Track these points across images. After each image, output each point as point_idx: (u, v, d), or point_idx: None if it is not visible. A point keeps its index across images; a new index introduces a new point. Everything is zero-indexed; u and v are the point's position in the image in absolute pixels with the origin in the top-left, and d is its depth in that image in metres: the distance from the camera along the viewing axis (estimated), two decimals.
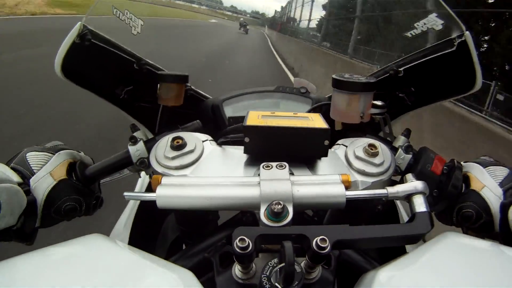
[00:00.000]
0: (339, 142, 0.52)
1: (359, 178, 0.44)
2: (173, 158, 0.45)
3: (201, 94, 0.85)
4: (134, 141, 0.53)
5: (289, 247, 0.29)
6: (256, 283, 0.33)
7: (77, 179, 0.49)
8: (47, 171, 0.46)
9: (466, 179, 0.50)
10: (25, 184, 0.43)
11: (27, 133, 2.85)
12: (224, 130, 0.69)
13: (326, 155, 0.47)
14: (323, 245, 0.29)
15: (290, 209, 0.35)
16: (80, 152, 0.54)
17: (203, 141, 0.49)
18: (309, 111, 0.79)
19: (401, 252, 0.42)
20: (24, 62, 5.10)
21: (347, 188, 0.38)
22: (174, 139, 0.47)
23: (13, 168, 0.44)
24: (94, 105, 2.96)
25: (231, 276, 0.35)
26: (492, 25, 9.75)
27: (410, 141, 0.57)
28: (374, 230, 0.33)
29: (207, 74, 6.04)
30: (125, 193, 0.38)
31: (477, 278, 0.29)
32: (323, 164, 0.47)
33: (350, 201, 0.37)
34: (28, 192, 0.43)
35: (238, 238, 0.29)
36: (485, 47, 9.70)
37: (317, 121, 0.48)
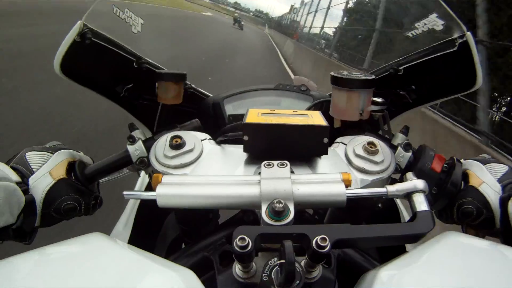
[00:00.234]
0: (338, 140, 0.52)
1: (359, 176, 0.44)
2: (173, 157, 0.45)
3: (201, 92, 0.85)
4: (132, 140, 0.53)
5: (289, 246, 0.29)
6: (257, 282, 0.33)
7: (76, 179, 0.49)
8: (46, 170, 0.46)
9: (466, 176, 0.50)
10: (24, 183, 0.43)
11: None
12: (222, 129, 0.68)
13: (326, 153, 0.47)
14: (323, 244, 0.29)
15: (291, 207, 0.35)
16: (79, 152, 0.54)
17: (202, 140, 0.49)
18: (309, 108, 0.78)
19: (401, 251, 0.42)
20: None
21: (347, 186, 0.38)
22: (173, 138, 0.47)
23: (12, 167, 0.44)
24: None
25: (232, 275, 0.35)
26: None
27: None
28: (375, 229, 0.33)
29: None
30: (125, 192, 0.38)
31: (477, 278, 0.29)
32: (323, 162, 0.47)
33: (350, 200, 0.37)
34: (27, 191, 0.43)
35: (238, 237, 0.29)
36: None
37: (316, 119, 0.48)
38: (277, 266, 0.32)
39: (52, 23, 6.25)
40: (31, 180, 0.44)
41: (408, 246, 0.65)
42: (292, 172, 0.40)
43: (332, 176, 0.39)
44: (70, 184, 0.47)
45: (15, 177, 0.43)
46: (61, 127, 2.91)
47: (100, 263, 0.30)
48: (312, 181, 0.38)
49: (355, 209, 0.51)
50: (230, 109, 0.83)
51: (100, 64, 0.65)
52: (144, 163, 0.53)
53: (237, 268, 0.35)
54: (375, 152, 0.46)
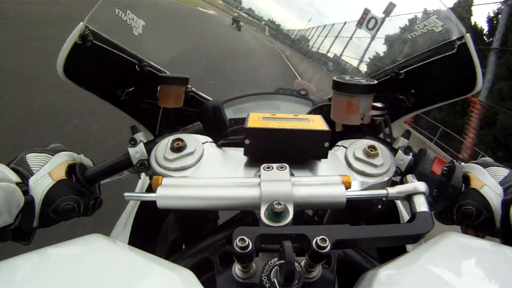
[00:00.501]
0: (338, 143, 0.52)
1: (359, 179, 0.45)
2: (173, 160, 0.45)
3: (202, 96, 0.84)
4: (133, 143, 0.53)
5: (288, 247, 0.29)
6: (256, 282, 0.33)
7: (76, 180, 0.49)
8: (46, 172, 0.46)
9: (467, 179, 0.50)
10: (24, 184, 0.44)
11: None
12: (224, 132, 0.69)
13: (326, 157, 0.47)
14: (323, 245, 0.29)
15: (291, 209, 0.35)
16: (80, 154, 0.54)
17: (203, 143, 0.49)
18: (310, 113, 0.78)
19: (401, 251, 0.42)
20: None
21: (347, 188, 0.38)
22: (174, 141, 0.47)
23: (12, 169, 0.44)
24: None
25: (231, 276, 0.35)
26: None
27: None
28: (374, 229, 0.33)
29: None
30: (125, 194, 0.38)
31: (477, 278, 0.29)
32: (323, 165, 0.47)
33: (350, 202, 0.37)
34: (26, 191, 0.43)
35: (238, 238, 0.30)
36: None
37: (317, 123, 0.48)
38: (276, 266, 0.32)
39: None
40: (31, 181, 0.45)
41: (408, 246, 0.65)
42: (292, 174, 0.40)
43: (332, 178, 0.39)
44: (69, 185, 0.47)
45: (15, 178, 0.43)
46: None
47: (100, 264, 0.30)
48: (312, 183, 0.38)
49: (354, 210, 0.51)
50: (230, 113, 0.83)
51: (102, 67, 0.64)
52: (145, 166, 0.53)
53: (236, 269, 0.35)
54: (375, 156, 0.46)
